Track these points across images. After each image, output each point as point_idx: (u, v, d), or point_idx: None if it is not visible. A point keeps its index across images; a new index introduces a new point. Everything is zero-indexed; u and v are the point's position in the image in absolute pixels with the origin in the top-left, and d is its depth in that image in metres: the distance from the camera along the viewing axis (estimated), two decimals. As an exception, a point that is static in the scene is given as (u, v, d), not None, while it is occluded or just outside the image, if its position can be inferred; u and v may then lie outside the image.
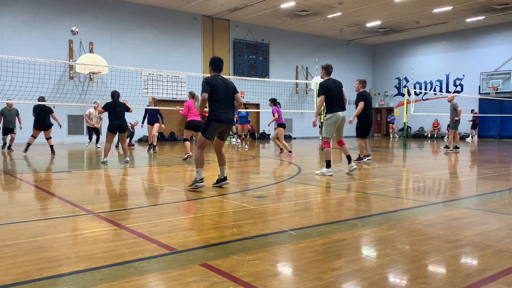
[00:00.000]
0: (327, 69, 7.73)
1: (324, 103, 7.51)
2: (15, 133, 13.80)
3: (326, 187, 6.26)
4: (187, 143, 10.84)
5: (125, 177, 7.46)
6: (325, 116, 7.66)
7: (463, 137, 25.16)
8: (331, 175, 7.31)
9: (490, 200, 5.29)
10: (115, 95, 9.47)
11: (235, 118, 10.13)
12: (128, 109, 9.61)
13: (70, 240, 3.34)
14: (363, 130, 10.06)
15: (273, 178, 7.31)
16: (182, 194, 5.60)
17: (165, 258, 2.88)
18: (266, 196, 5.34)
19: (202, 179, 5.71)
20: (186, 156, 10.46)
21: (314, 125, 8.39)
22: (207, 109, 5.95)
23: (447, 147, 14.40)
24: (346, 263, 2.78)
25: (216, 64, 5.83)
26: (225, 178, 5.97)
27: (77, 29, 18.70)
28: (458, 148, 14.31)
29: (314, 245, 3.18)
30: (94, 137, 15.53)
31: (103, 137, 14.91)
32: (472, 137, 23.20)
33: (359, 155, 10.03)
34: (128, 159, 9.68)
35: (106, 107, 9.37)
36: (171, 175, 7.68)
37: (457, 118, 13.97)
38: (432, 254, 2.97)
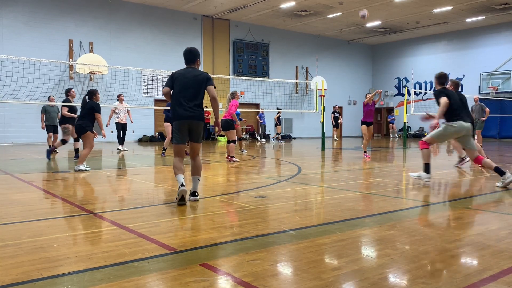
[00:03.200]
0: (440, 79, 6.73)
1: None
2: (57, 133, 12.40)
3: (326, 187, 6.26)
4: (232, 145, 10.20)
5: (125, 177, 7.46)
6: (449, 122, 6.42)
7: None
8: (428, 181, 6.33)
9: (490, 200, 5.29)
10: (90, 92, 8.47)
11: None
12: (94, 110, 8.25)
13: (70, 240, 3.34)
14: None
15: (273, 178, 7.31)
16: (182, 194, 5.59)
17: (165, 258, 2.88)
18: (266, 196, 5.34)
19: (182, 184, 4.73)
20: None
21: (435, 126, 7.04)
22: (207, 109, 5.75)
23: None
24: (346, 263, 2.78)
25: (184, 56, 5.15)
26: (194, 193, 4.95)
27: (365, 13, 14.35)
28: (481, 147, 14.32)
29: (314, 245, 3.18)
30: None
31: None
32: (472, 137, 23.18)
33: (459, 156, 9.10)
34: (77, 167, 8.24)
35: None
36: (171, 175, 7.67)
37: (483, 119, 14.00)
38: (432, 254, 2.97)
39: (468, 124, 6.42)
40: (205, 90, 5.03)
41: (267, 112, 22.83)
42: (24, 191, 5.91)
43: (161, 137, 21.87)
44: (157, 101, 20.99)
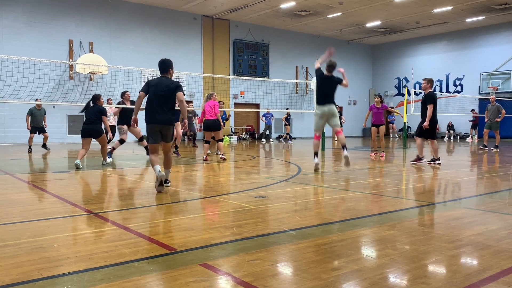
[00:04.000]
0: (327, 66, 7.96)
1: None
2: (47, 133, 13.86)
3: (326, 187, 6.26)
4: (207, 145, 10.45)
5: (125, 177, 7.46)
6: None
7: (463, 137, 25.17)
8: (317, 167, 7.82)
9: (490, 200, 5.29)
10: (95, 98, 8.97)
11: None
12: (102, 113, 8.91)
13: (70, 240, 3.34)
14: (431, 131, 9.17)
15: (273, 178, 7.31)
16: (182, 194, 5.60)
17: (165, 258, 2.88)
18: (266, 196, 5.34)
19: (160, 171, 5.49)
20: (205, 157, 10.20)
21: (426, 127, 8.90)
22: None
23: (496, 146, 14.37)
24: (346, 263, 2.78)
25: (159, 66, 5.89)
26: (166, 181, 5.90)
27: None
28: (486, 147, 14.38)
29: (314, 245, 3.18)
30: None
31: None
32: (472, 137, 23.22)
33: (417, 155, 9.46)
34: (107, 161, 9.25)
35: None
36: (171, 175, 7.66)
37: (498, 119, 14.06)
38: (432, 254, 2.97)
39: (325, 107, 7.83)
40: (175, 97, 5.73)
41: (272, 112, 22.68)
42: (24, 191, 5.91)
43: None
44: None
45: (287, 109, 21.34)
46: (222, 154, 10.46)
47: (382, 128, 11.63)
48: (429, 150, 9.95)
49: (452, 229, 3.65)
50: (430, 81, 9.28)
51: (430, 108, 8.92)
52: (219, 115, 10.57)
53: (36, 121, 13.42)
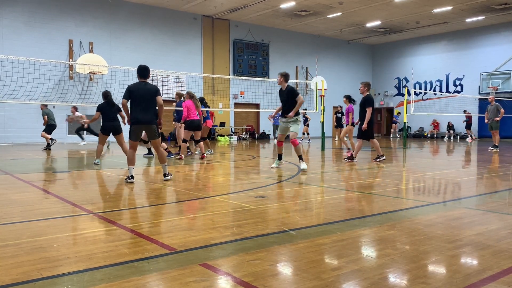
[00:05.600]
0: (286, 77, 8.10)
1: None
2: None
3: (326, 187, 6.26)
4: (184, 144, 10.74)
5: (124, 177, 7.45)
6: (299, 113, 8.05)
7: (463, 137, 25.17)
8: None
9: (490, 200, 5.29)
10: (108, 95, 9.23)
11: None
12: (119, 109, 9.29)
13: (70, 240, 3.34)
14: (370, 132, 9.72)
15: (273, 178, 7.31)
16: (182, 194, 5.60)
17: (165, 258, 2.88)
18: (266, 196, 5.34)
19: (132, 176, 6.31)
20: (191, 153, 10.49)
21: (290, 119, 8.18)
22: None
23: (496, 146, 14.41)
24: (346, 263, 2.78)
25: (139, 72, 6.53)
26: (164, 175, 6.61)
27: None
28: (497, 147, 14.41)
29: (314, 245, 3.18)
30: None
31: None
32: (471, 137, 23.24)
33: (352, 154, 9.94)
34: (98, 161, 9.28)
35: (100, 109, 9.12)
36: (170, 169, 7.66)
37: (497, 119, 14.10)
38: (432, 254, 2.97)
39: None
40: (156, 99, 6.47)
41: (269, 113, 22.64)
42: (24, 191, 5.91)
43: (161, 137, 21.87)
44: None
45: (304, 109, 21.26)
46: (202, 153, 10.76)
47: (343, 130, 11.74)
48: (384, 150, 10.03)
49: (452, 229, 3.64)
50: (367, 85, 9.98)
51: (369, 111, 9.55)
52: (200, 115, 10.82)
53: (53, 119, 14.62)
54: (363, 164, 9.63)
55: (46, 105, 14.59)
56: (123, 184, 6.74)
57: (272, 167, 8.40)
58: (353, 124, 12.09)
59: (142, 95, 6.37)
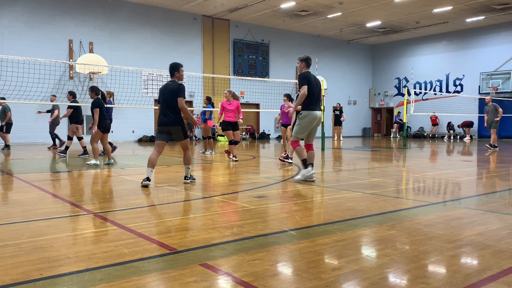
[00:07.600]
0: (307, 61, 6.77)
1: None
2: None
3: (326, 187, 6.26)
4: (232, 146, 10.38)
5: (125, 177, 7.46)
6: (300, 113, 6.72)
7: (462, 137, 25.17)
8: (312, 178, 6.51)
9: (490, 200, 5.29)
10: (99, 90, 9.07)
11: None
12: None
13: (70, 240, 3.34)
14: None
15: (273, 178, 7.31)
16: (182, 194, 5.60)
17: (165, 258, 2.88)
18: (266, 196, 5.34)
19: (147, 178, 6.06)
20: (233, 157, 10.25)
21: (291, 117, 7.59)
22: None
23: (495, 146, 14.43)
24: (346, 263, 2.78)
25: (169, 70, 6.31)
26: (185, 177, 6.45)
27: None
28: (497, 147, 14.43)
29: (314, 245, 3.18)
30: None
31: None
32: (471, 137, 23.26)
33: (288, 155, 9.76)
34: (111, 161, 9.28)
35: (100, 105, 8.93)
36: (171, 175, 7.67)
37: (497, 119, 14.13)
38: (432, 254, 2.97)
39: (320, 113, 6.79)
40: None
41: (268, 113, 22.67)
42: (24, 191, 5.91)
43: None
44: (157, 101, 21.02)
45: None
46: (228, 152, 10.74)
47: (290, 129, 10.17)
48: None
49: (452, 229, 3.64)
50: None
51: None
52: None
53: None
54: (363, 164, 9.62)
55: (55, 97, 15.08)
56: (123, 184, 6.74)
57: (297, 181, 6.70)
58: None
59: (164, 94, 6.18)
